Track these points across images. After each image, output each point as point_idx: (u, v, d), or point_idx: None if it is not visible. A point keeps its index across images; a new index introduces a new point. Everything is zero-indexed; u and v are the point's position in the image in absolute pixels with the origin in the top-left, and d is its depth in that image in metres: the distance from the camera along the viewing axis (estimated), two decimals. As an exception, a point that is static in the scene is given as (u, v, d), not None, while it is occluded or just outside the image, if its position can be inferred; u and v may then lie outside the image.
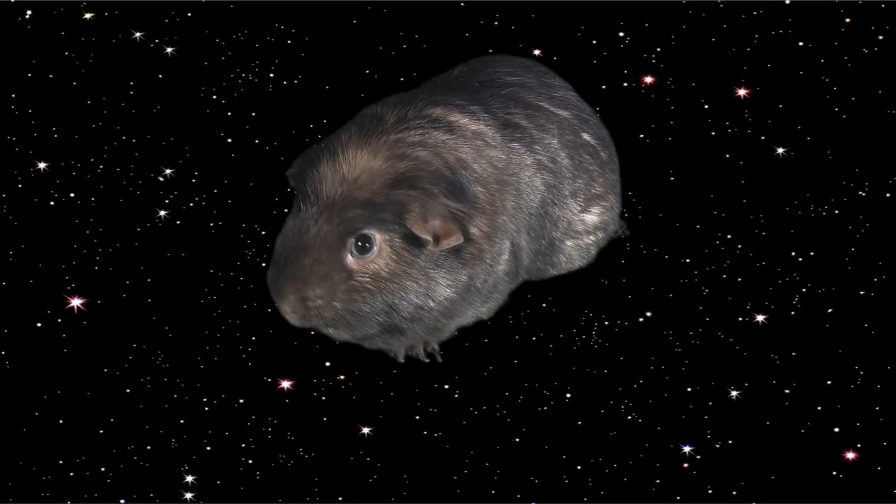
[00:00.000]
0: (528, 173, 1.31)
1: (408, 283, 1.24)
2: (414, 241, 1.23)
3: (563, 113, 1.36)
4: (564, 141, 1.35)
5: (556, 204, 1.34)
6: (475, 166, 1.27)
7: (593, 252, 1.39)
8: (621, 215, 1.43)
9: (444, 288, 1.25)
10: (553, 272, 1.38)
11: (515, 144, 1.31)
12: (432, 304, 1.25)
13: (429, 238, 1.22)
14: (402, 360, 1.31)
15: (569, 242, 1.37)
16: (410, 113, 1.27)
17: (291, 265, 1.22)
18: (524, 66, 1.41)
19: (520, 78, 1.38)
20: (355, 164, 1.23)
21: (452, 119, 1.29)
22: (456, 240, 1.23)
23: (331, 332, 1.25)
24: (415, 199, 1.22)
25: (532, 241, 1.32)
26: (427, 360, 1.31)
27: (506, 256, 1.29)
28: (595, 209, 1.37)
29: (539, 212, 1.32)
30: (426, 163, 1.24)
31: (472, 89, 1.35)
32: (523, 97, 1.35)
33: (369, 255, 1.22)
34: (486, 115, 1.31)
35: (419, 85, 1.40)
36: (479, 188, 1.26)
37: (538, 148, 1.32)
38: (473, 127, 1.29)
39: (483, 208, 1.26)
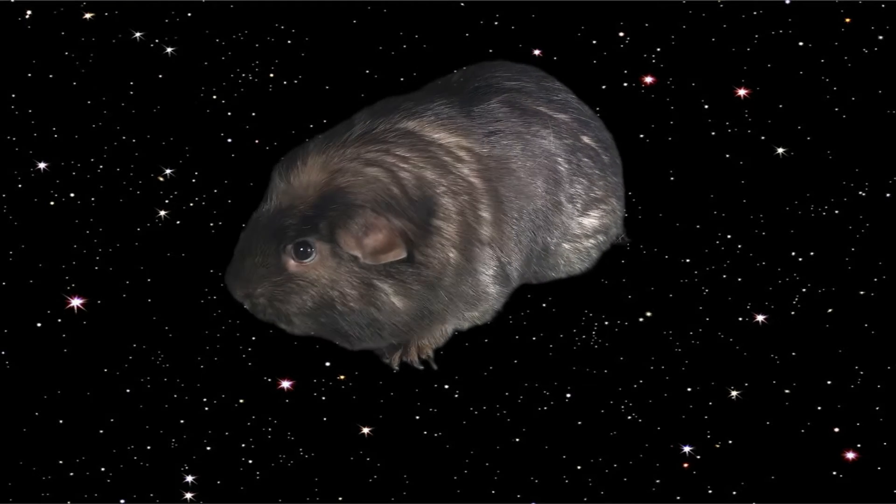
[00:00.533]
0: (515, 177, 1.31)
1: (347, 290, 1.26)
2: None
3: (562, 116, 1.36)
4: (562, 145, 1.34)
5: (550, 209, 1.33)
6: (443, 180, 1.27)
7: (594, 255, 1.39)
8: (633, 220, 1.43)
9: (392, 297, 1.26)
10: (552, 275, 1.38)
11: (499, 151, 1.31)
12: (376, 311, 1.26)
13: (357, 254, 1.24)
14: (396, 367, 1.31)
15: (566, 245, 1.36)
16: (382, 125, 1.29)
17: (237, 263, 1.27)
18: (523, 70, 1.41)
19: (518, 83, 1.37)
20: (305, 175, 1.25)
21: (425, 133, 1.29)
22: (395, 255, 1.24)
23: (283, 326, 1.29)
24: (343, 214, 1.23)
25: (523, 247, 1.32)
26: (421, 367, 1.31)
27: (488, 262, 1.30)
28: (594, 212, 1.37)
29: (530, 216, 1.32)
30: (372, 180, 1.25)
31: (465, 94, 1.35)
32: (521, 102, 1.35)
33: (309, 259, 1.25)
34: (467, 121, 1.31)
35: (420, 86, 1.40)
36: (447, 199, 1.27)
37: (529, 153, 1.32)
38: (449, 138, 1.30)
39: (450, 219, 1.27)
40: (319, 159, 1.26)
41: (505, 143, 1.31)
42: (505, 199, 1.30)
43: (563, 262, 1.37)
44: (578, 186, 1.35)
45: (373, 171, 1.25)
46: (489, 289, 1.31)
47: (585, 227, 1.37)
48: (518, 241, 1.31)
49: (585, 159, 1.36)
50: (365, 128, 1.28)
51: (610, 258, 1.41)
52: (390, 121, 1.29)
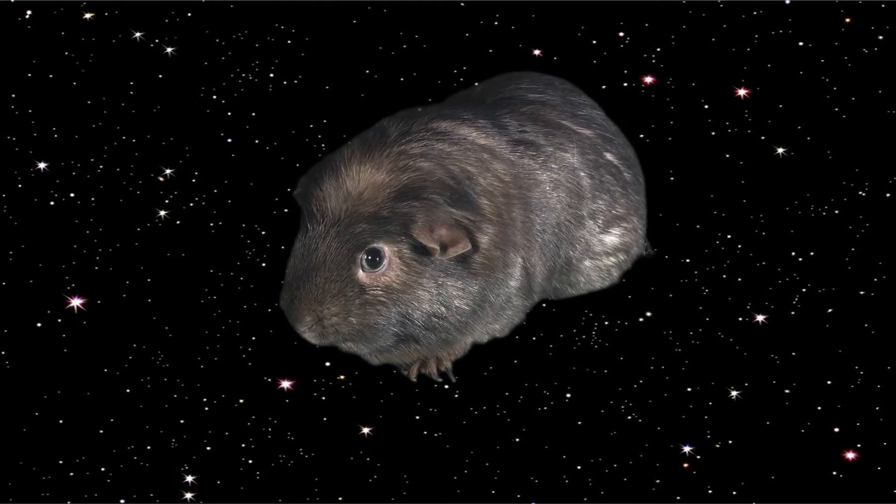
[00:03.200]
0: (540, 190, 1.31)
1: (420, 292, 1.24)
2: (422, 251, 1.24)
3: (586, 132, 1.36)
4: (585, 160, 1.34)
5: (572, 223, 1.33)
6: (480, 178, 1.27)
7: (615, 274, 1.39)
8: (646, 235, 1.43)
9: (456, 298, 1.26)
10: (572, 292, 1.38)
11: (527, 161, 1.31)
12: (445, 311, 1.26)
13: (435, 247, 1.23)
14: (413, 378, 1.31)
15: (587, 263, 1.36)
16: (415, 126, 1.28)
17: (304, 286, 1.23)
18: (549, 83, 1.41)
19: (542, 95, 1.37)
20: (359, 178, 1.23)
21: (460, 132, 1.29)
22: (463, 247, 1.23)
23: (349, 346, 1.26)
24: (419, 209, 1.22)
25: (546, 259, 1.32)
26: (440, 380, 1.31)
27: (517, 271, 1.29)
28: (616, 230, 1.37)
29: (554, 229, 1.32)
30: (429, 173, 1.24)
31: (488, 105, 1.35)
32: (544, 115, 1.35)
33: (380, 268, 1.23)
34: (495, 130, 1.31)
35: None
36: (485, 200, 1.26)
37: (554, 166, 1.32)
38: (481, 141, 1.30)
39: (490, 219, 1.26)
40: (369, 162, 1.24)
41: (531, 153, 1.32)
42: (533, 209, 1.30)
43: (583, 279, 1.37)
44: (600, 202, 1.35)
45: (427, 164, 1.24)
46: (513, 300, 1.31)
47: (606, 245, 1.36)
48: (542, 253, 1.31)
49: (608, 176, 1.36)
50: (399, 129, 1.27)
51: (626, 273, 1.41)
52: (423, 122, 1.28)
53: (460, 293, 1.26)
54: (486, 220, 1.26)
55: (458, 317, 1.27)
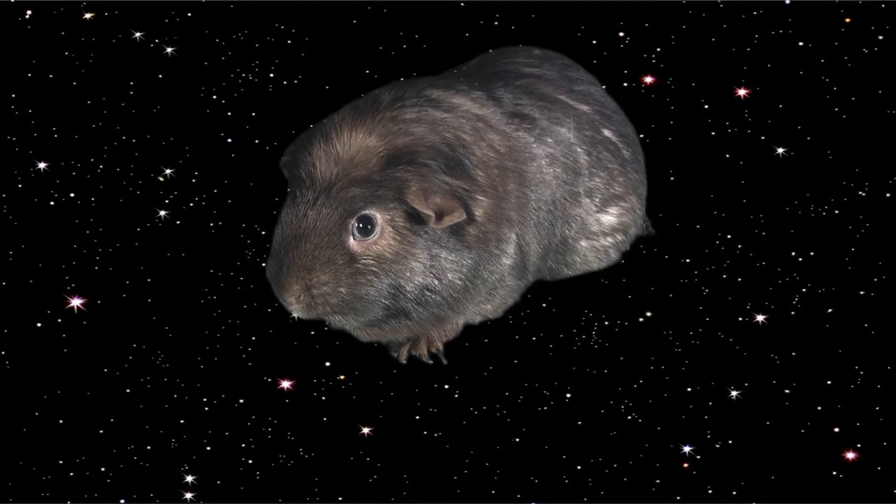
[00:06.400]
0: (535, 164, 1.29)
1: (412, 263, 1.22)
2: (416, 220, 1.21)
3: (584, 107, 1.34)
4: (582, 136, 1.32)
5: (568, 200, 1.31)
6: (475, 148, 1.24)
7: (613, 255, 1.37)
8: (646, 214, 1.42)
9: (449, 271, 1.23)
10: (568, 272, 1.37)
11: (523, 134, 1.28)
12: (437, 283, 1.23)
13: (430, 214, 1.19)
14: (403, 360, 1.30)
15: (584, 243, 1.35)
16: (408, 93, 1.25)
17: (292, 253, 1.20)
18: (545, 57, 1.38)
19: (539, 70, 1.35)
20: (350, 143, 1.20)
21: (454, 101, 1.26)
22: (458, 216, 1.20)
23: (337, 318, 1.23)
24: (414, 174, 1.19)
25: (541, 237, 1.30)
26: (430, 362, 1.30)
27: (511, 248, 1.27)
28: (613, 210, 1.35)
29: (549, 206, 1.30)
30: (423, 138, 1.21)
31: (483, 78, 1.32)
32: (539, 89, 1.32)
33: (371, 236, 1.20)
34: (490, 101, 1.29)
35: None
36: (480, 171, 1.24)
37: (549, 140, 1.30)
38: (476, 110, 1.27)
39: (485, 190, 1.24)
40: (361, 127, 1.21)
41: (526, 126, 1.29)
42: (528, 184, 1.28)
43: (580, 259, 1.36)
44: (597, 180, 1.33)
45: (421, 129, 1.21)
46: (507, 279, 1.29)
47: (604, 225, 1.35)
48: (537, 231, 1.29)
49: (606, 153, 1.34)
50: (393, 96, 1.24)
51: (625, 253, 1.41)
52: (416, 89, 1.25)
53: (453, 266, 1.23)
54: (481, 191, 1.23)
55: (451, 291, 1.24)
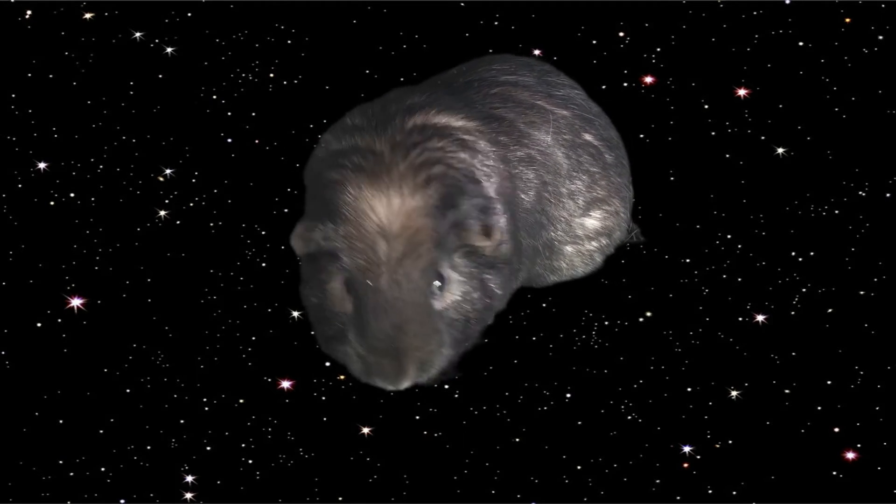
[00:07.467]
0: (519, 167, 1.29)
1: (474, 294, 1.22)
2: (468, 255, 1.21)
3: (563, 112, 1.35)
4: (561, 139, 1.33)
5: (551, 202, 1.32)
6: (475, 161, 1.24)
7: (598, 259, 1.38)
8: (635, 219, 1.42)
9: (496, 288, 1.24)
10: (554, 279, 1.37)
11: (503, 138, 1.28)
12: (491, 302, 1.24)
13: (488, 244, 1.21)
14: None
15: (569, 248, 1.35)
16: (398, 136, 1.22)
17: (401, 346, 1.18)
18: (524, 64, 1.39)
19: (515, 77, 1.35)
20: (390, 214, 1.18)
21: (437, 122, 1.25)
22: (501, 235, 1.22)
23: (434, 376, 1.23)
24: (465, 215, 1.20)
25: (535, 241, 1.31)
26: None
27: (522, 256, 1.29)
28: (597, 213, 1.35)
29: (535, 207, 1.30)
30: (445, 175, 1.20)
31: (456, 88, 1.32)
32: (516, 95, 1.32)
33: (446, 289, 1.20)
34: (466, 108, 1.28)
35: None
36: (490, 187, 1.25)
37: (527, 141, 1.30)
38: (458, 123, 1.26)
39: (499, 205, 1.25)
40: (385, 192, 1.18)
41: (503, 129, 1.29)
42: (518, 187, 1.28)
43: (566, 265, 1.36)
44: (579, 183, 1.34)
45: (439, 169, 1.20)
46: (514, 285, 1.30)
47: (588, 229, 1.35)
48: (527, 234, 1.30)
49: (586, 157, 1.34)
50: (384, 145, 1.21)
51: (610, 258, 1.41)
52: (398, 126, 1.23)
53: (496, 284, 1.24)
54: (498, 206, 1.24)
55: (496, 307, 1.25)
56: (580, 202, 1.34)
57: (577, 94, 1.38)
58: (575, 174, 1.33)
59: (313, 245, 1.22)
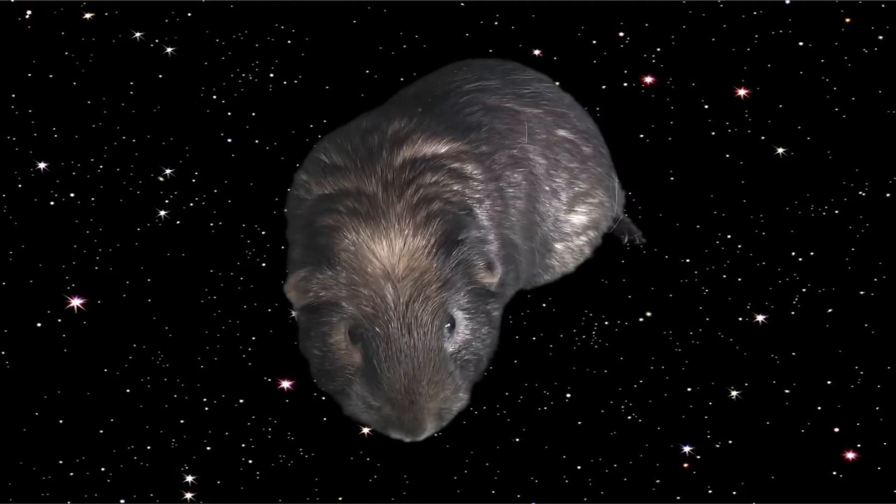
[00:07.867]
0: (506, 173, 1.28)
1: (483, 329, 1.21)
2: (473, 292, 1.19)
3: (534, 110, 1.33)
4: (536, 140, 1.31)
5: (539, 200, 1.32)
6: (466, 189, 1.23)
7: (587, 252, 1.38)
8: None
9: (497, 314, 1.23)
10: (547, 278, 1.37)
11: (485, 147, 1.26)
12: (496, 331, 1.23)
13: (494, 280, 1.19)
14: None
15: (559, 246, 1.35)
16: (388, 174, 1.19)
17: (418, 396, 1.15)
18: (486, 67, 1.36)
19: (479, 83, 1.32)
20: (392, 256, 1.15)
21: (426, 153, 1.22)
22: (502, 265, 1.20)
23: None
24: (468, 251, 1.17)
25: (526, 241, 1.31)
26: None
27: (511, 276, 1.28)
28: (581, 208, 1.35)
29: (528, 207, 1.30)
30: (443, 212, 1.18)
31: (426, 106, 1.29)
32: (484, 101, 1.30)
33: (455, 329, 1.18)
34: (448, 129, 1.25)
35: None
36: (482, 213, 1.24)
37: (508, 143, 1.28)
38: (443, 150, 1.23)
39: (488, 228, 1.24)
40: (386, 234, 1.15)
41: (481, 137, 1.27)
42: (508, 196, 1.28)
43: (557, 263, 1.36)
44: (559, 180, 1.33)
45: (437, 205, 1.17)
46: (508, 290, 1.30)
47: (575, 225, 1.35)
48: (522, 235, 1.30)
49: (563, 154, 1.33)
50: (376, 185, 1.18)
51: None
52: (385, 163, 1.20)
53: (498, 311, 1.23)
54: (490, 236, 1.23)
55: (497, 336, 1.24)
56: (564, 198, 1.33)
57: (546, 87, 1.36)
58: (554, 172, 1.32)
59: (312, 295, 1.18)
